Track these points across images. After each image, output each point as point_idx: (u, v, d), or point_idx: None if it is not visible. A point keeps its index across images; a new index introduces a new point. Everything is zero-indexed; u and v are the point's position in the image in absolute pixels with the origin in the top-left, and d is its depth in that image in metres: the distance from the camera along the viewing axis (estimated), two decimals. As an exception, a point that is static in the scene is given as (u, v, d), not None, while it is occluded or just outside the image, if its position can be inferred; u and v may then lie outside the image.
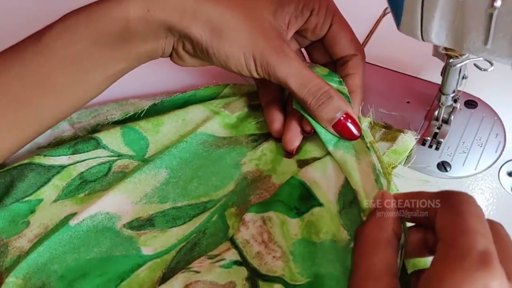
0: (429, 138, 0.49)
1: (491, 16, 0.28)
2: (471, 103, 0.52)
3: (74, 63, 0.41)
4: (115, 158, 0.48)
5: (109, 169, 0.47)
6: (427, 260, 0.37)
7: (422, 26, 0.33)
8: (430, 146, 0.49)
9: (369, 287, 0.30)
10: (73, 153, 0.48)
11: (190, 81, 0.58)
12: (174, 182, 0.46)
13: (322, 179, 0.44)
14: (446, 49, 0.39)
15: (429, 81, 0.54)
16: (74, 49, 0.41)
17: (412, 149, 0.48)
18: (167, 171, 0.47)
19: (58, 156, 0.48)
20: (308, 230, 0.40)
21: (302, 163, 0.46)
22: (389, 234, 0.32)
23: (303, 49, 0.53)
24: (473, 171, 0.47)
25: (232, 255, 0.39)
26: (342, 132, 0.44)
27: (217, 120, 0.50)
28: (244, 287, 0.37)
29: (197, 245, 0.42)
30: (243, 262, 0.38)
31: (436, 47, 0.43)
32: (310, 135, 0.47)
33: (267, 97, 0.50)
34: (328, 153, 0.45)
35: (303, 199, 0.43)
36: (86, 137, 0.49)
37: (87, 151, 0.48)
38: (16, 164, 0.46)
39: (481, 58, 0.40)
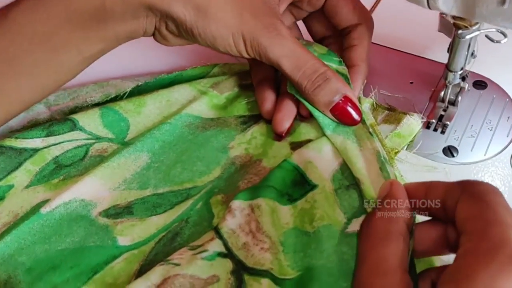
0: (434, 121, 0.46)
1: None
2: (481, 84, 0.48)
3: (44, 42, 0.38)
4: (93, 141, 0.45)
5: (86, 152, 0.45)
6: (434, 259, 0.34)
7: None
8: (435, 130, 0.46)
9: (380, 283, 0.27)
10: (48, 135, 0.45)
11: (177, 61, 0.54)
12: (155, 167, 0.43)
13: (318, 158, 0.40)
14: (454, 18, 0.35)
15: (434, 61, 0.51)
16: (43, 27, 0.38)
17: (417, 133, 0.44)
18: (149, 155, 0.44)
19: (31, 138, 0.44)
20: (301, 219, 0.38)
21: (296, 146, 0.43)
22: (400, 226, 0.29)
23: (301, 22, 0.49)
24: (482, 156, 0.44)
25: (216, 246, 0.36)
26: (341, 116, 0.41)
27: (205, 101, 0.48)
28: (228, 281, 0.34)
29: (178, 235, 0.39)
30: (228, 254, 0.36)
31: (442, 19, 0.39)
32: (307, 119, 0.44)
33: (259, 75, 0.47)
34: (324, 137, 0.42)
35: (296, 185, 0.40)
36: (62, 119, 0.46)
37: (62, 133, 0.45)
38: None
39: (494, 29, 0.36)
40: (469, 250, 0.25)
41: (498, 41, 0.37)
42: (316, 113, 0.42)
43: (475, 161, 0.43)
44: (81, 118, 0.46)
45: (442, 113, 0.46)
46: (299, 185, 0.40)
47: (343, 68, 0.44)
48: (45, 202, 0.40)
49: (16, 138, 0.44)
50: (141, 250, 0.38)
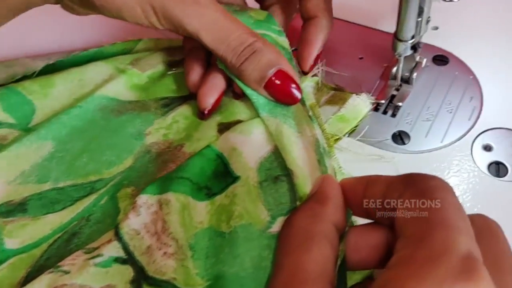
0: (383, 101, 0.39)
1: None
2: (441, 59, 0.43)
3: None
4: None
5: None
6: (376, 273, 0.30)
7: None
8: (385, 112, 0.40)
9: None
10: None
11: (96, 37, 0.49)
12: (59, 157, 0.39)
13: (244, 142, 0.35)
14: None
15: (387, 32, 0.44)
16: None
17: (364, 117, 0.38)
18: (53, 143, 0.39)
19: None
20: (218, 217, 0.33)
21: (225, 128, 0.38)
22: (326, 228, 0.25)
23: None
24: (438, 144, 0.37)
25: (112, 249, 0.31)
26: (276, 94, 0.35)
27: (122, 80, 0.42)
28: None
29: (76, 236, 0.34)
30: (128, 259, 0.31)
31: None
32: (241, 97, 0.39)
33: (190, 43, 0.41)
34: (257, 118, 0.37)
35: (217, 177, 0.35)
36: None
37: None
38: None
39: (446, -16, 0.29)
40: (402, 259, 0.21)
41: (450, 0, 0.30)
42: (248, 91, 0.36)
43: (430, 149, 0.37)
44: None
45: (394, 92, 0.41)
46: (220, 177, 0.35)
47: (283, 40, 0.39)
48: None
49: None
50: (30, 254, 0.34)
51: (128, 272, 0.31)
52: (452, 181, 0.35)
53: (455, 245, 0.20)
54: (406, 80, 0.40)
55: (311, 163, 0.33)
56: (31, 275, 0.32)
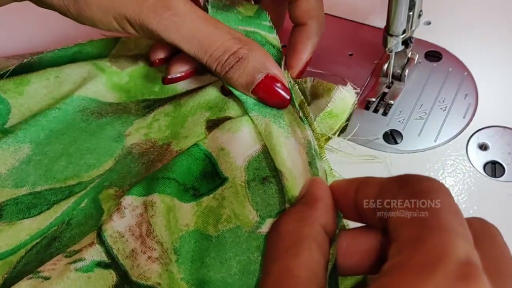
0: (374, 99, 0.37)
1: None
2: (434, 55, 0.42)
3: None
4: None
5: None
6: (368, 279, 0.28)
7: None
8: (376, 111, 0.38)
9: None
10: None
11: (72, 33, 0.46)
12: (37, 161, 0.37)
13: (232, 140, 0.34)
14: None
15: (378, 28, 0.43)
16: None
17: (352, 110, 0.36)
18: (31, 146, 0.38)
19: None
20: (205, 219, 0.32)
21: (213, 125, 0.36)
22: (315, 231, 0.24)
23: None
24: (432, 143, 0.36)
25: (94, 253, 0.30)
26: (265, 98, 0.35)
27: (102, 80, 0.41)
28: None
29: (56, 240, 0.33)
30: (111, 263, 0.30)
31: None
32: (230, 94, 0.37)
33: None
34: (247, 116, 0.36)
35: (205, 177, 0.34)
36: None
37: None
38: None
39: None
40: (397, 265, 0.20)
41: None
42: (237, 92, 0.35)
43: (423, 148, 0.36)
44: None
45: (386, 90, 0.39)
46: (209, 178, 0.34)
47: (273, 37, 0.37)
48: None
49: None
50: (6, 261, 0.33)
51: (111, 276, 0.30)
52: (447, 181, 0.34)
53: (452, 250, 0.19)
54: (398, 77, 0.39)
55: (302, 165, 0.31)
56: (9, 282, 0.31)
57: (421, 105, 0.38)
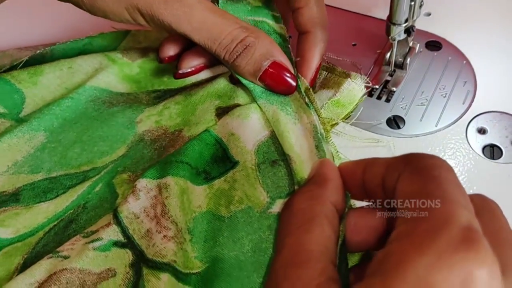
0: (377, 87, 0.39)
1: None
2: (435, 44, 0.43)
3: None
4: None
5: None
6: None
7: None
8: (380, 98, 0.40)
9: (296, 275, 0.23)
10: None
11: (83, 27, 0.47)
12: (51, 148, 0.38)
13: (242, 126, 0.35)
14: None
15: (380, 19, 0.44)
16: None
17: (360, 101, 0.38)
18: (46, 134, 0.38)
19: None
20: (216, 201, 0.32)
21: (223, 111, 0.37)
22: (326, 209, 0.25)
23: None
24: (433, 127, 0.37)
25: (111, 233, 0.31)
26: (271, 85, 0.35)
27: (114, 71, 0.41)
28: (126, 275, 0.30)
29: (73, 222, 0.34)
30: (127, 243, 0.31)
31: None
32: (238, 83, 0.38)
33: None
34: (255, 103, 0.37)
35: (216, 161, 0.35)
36: None
37: None
38: None
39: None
40: (403, 233, 0.21)
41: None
42: (245, 81, 0.36)
43: (425, 132, 0.37)
44: None
45: (388, 78, 0.40)
46: (220, 162, 0.34)
47: (280, 27, 0.38)
48: None
49: None
50: (26, 243, 0.33)
51: (127, 255, 0.31)
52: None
53: (455, 217, 0.20)
54: (400, 66, 0.40)
55: (309, 149, 0.32)
56: (28, 262, 0.32)
57: (422, 92, 0.39)
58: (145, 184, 0.33)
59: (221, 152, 0.35)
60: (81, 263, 0.30)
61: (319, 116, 0.35)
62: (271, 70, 0.34)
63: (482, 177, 0.34)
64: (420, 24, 0.41)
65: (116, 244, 0.31)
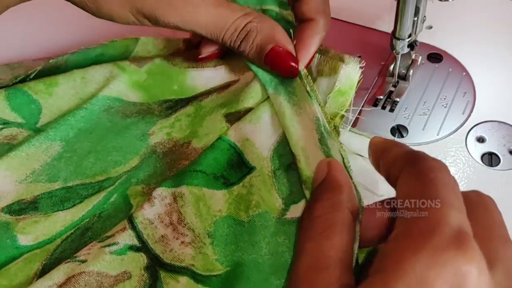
0: (382, 97, 0.41)
1: None
2: (436, 57, 0.45)
3: None
4: (0, 126, 0.40)
5: None
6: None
7: None
8: (384, 108, 0.41)
9: (316, 280, 0.24)
10: None
11: (95, 36, 0.48)
12: (67, 157, 0.39)
13: (255, 132, 0.36)
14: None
15: (385, 32, 0.46)
16: None
17: (359, 82, 0.37)
18: (62, 143, 0.39)
19: None
20: (236, 206, 0.34)
21: (232, 118, 0.38)
22: (345, 215, 0.26)
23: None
24: (435, 136, 0.39)
25: (127, 238, 0.32)
26: (275, 68, 0.36)
27: (123, 79, 0.42)
28: (141, 278, 0.31)
29: (89, 230, 0.35)
30: (142, 247, 0.32)
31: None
32: (241, 84, 0.39)
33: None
34: (263, 101, 0.37)
35: (233, 167, 0.35)
36: None
37: None
38: None
39: (440, -15, 0.31)
40: (400, 233, 0.22)
41: (446, 0, 0.32)
42: (254, 68, 0.37)
43: (427, 141, 0.39)
44: None
45: (392, 88, 0.42)
46: (236, 167, 0.35)
47: (288, 13, 0.39)
48: None
49: None
50: (44, 249, 0.34)
51: (142, 259, 0.32)
52: None
53: (447, 220, 0.21)
54: (403, 77, 0.42)
55: (312, 143, 0.33)
56: (47, 267, 0.33)
57: (425, 102, 0.41)
58: (160, 192, 0.34)
59: (236, 157, 0.36)
60: (98, 266, 0.31)
61: (320, 106, 0.35)
62: (273, 53, 0.35)
63: (480, 184, 0.36)
64: (422, 37, 0.43)
65: (132, 248, 0.32)
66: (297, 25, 0.39)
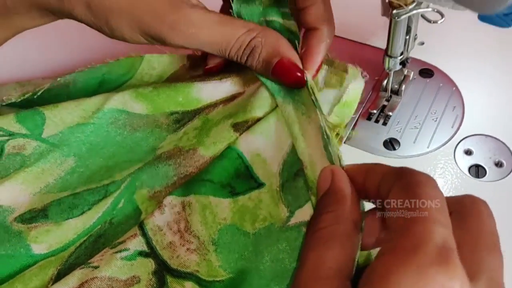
0: (375, 111, 0.42)
1: None
2: (427, 72, 0.46)
3: None
4: (6, 137, 0.41)
5: (2, 150, 0.40)
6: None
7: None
8: (377, 121, 0.43)
9: None
10: None
11: (101, 54, 0.49)
12: (80, 172, 0.40)
13: (266, 147, 0.37)
14: (390, -4, 0.31)
15: (378, 48, 0.48)
16: None
17: (362, 95, 0.40)
18: (75, 158, 0.41)
19: None
20: (241, 216, 0.35)
21: (240, 127, 0.38)
22: (348, 227, 0.27)
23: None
24: (425, 149, 0.41)
25: (137, 244, 0.34)
26: (283, 80, 0.37)
27: (128, 91, 0.43)
28: (149, 282, 0.32)
29: (102, 237, 0.36)
30: (150, 253, 0.34)
31: (383, 1, 0.36)
32: (247, 95, 0.40)
33: None
34: (272, 111, 0.38)
35: (240, 177, 0.36)
36: None
37: None
38: None
39: (430, 9, 0.33)
40: (387, 249, 0.23)
41: (435, 22, 0.34)
42: (262, 78, 0.38)
43: (418, 154, 0.41)
44: None
45: (385, 103, 0.44)
46: (243, 178, 0.36)
47: (291, 24, 0.39)
48: None
49: None
50: (58, 256, 0.36)
51: (150, 264, 0.33)
52: (437, 182, 0.38)
53: (432, 236, 0.22)
54: (396, 92, 0.43)
55: (318, 150, 0.34)
56: (62, 272, 0.34)
57: (416, 116, 0.43)
58: (170, 200, 0.35)
59: (243, 168, 0.36)
60: (110, 271, 0.32)
61: (322, 114, 0.36)
62: (279, 66, 0.36)
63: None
64: (414, 53, 0.45)
65: (141, 253, 0.33)
66: (301, 34, 0.39)
